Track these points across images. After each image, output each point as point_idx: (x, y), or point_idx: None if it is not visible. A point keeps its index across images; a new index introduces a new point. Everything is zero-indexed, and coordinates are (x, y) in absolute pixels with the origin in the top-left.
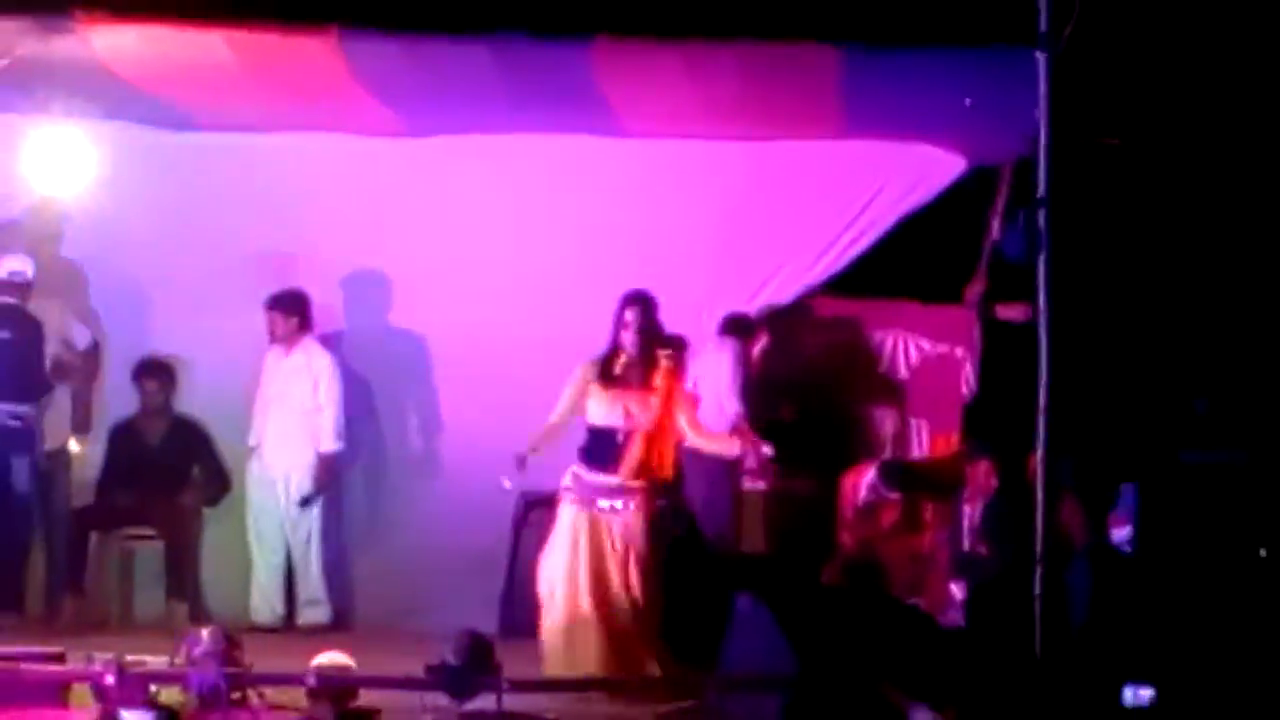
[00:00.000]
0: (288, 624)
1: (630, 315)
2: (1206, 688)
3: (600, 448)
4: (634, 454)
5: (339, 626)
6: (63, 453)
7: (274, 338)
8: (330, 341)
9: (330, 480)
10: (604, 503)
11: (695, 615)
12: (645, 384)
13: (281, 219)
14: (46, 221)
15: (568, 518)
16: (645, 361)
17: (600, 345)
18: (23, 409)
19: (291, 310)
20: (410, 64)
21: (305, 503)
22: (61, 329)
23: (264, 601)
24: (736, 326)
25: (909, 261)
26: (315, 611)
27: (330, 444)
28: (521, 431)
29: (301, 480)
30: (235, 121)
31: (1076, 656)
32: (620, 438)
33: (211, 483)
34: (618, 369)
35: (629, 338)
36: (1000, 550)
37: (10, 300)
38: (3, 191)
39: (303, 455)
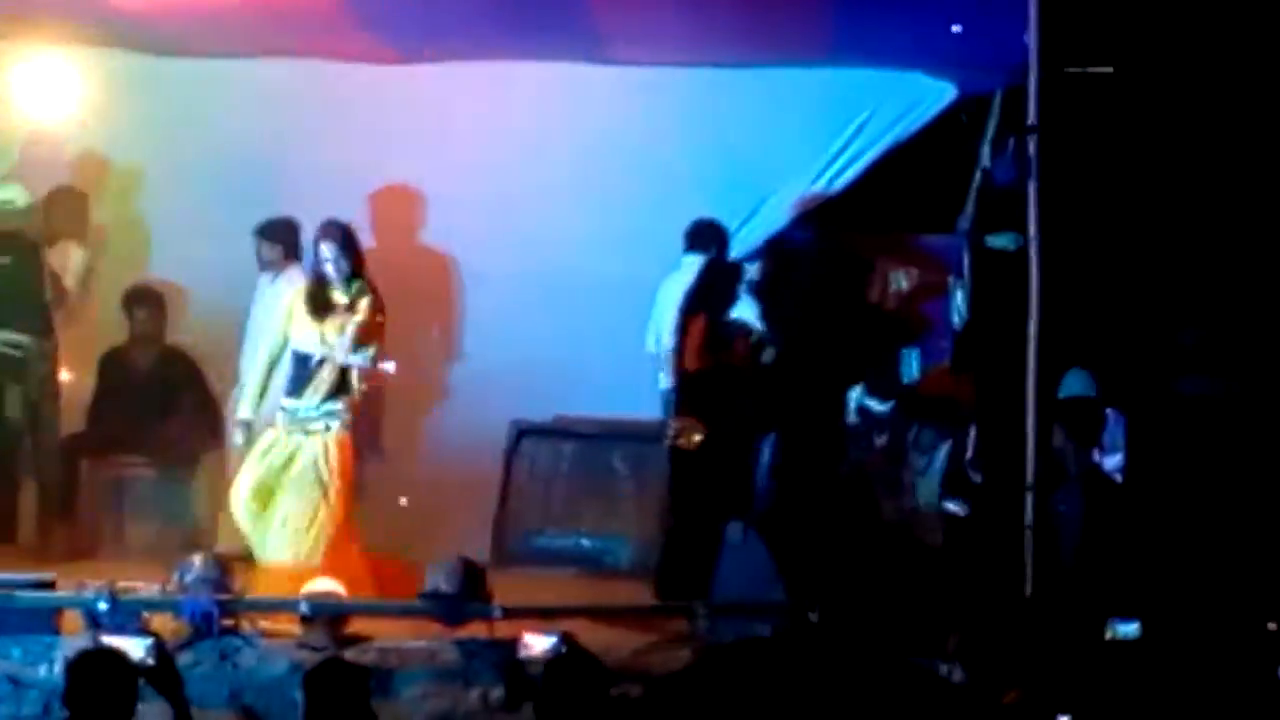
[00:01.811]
0: None
1: (326, 249)
2: (1193, 620)
3: (298, 374)
4: (324, 379)
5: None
6: (52, 380)
7: (261, 265)
8: None
9: None
10: (299, 426)
11: (689, 548)
12: (350, 311)
13: (279, 145)
14: (44, 151)
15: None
16: (348, 291)
17: (597, 276)
18: (20, 338)
19: (276, 237)
20: None
21: None
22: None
23: (232, 528)
24: (703, 237)
25: (899, 190)
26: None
27: None
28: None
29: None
30: (227, 47)
31: (1066, 586)
32: (314, 364)
33: (201, 412)
34: (324, 299)
35: (329, 269)
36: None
37: (6, 227)
38: None
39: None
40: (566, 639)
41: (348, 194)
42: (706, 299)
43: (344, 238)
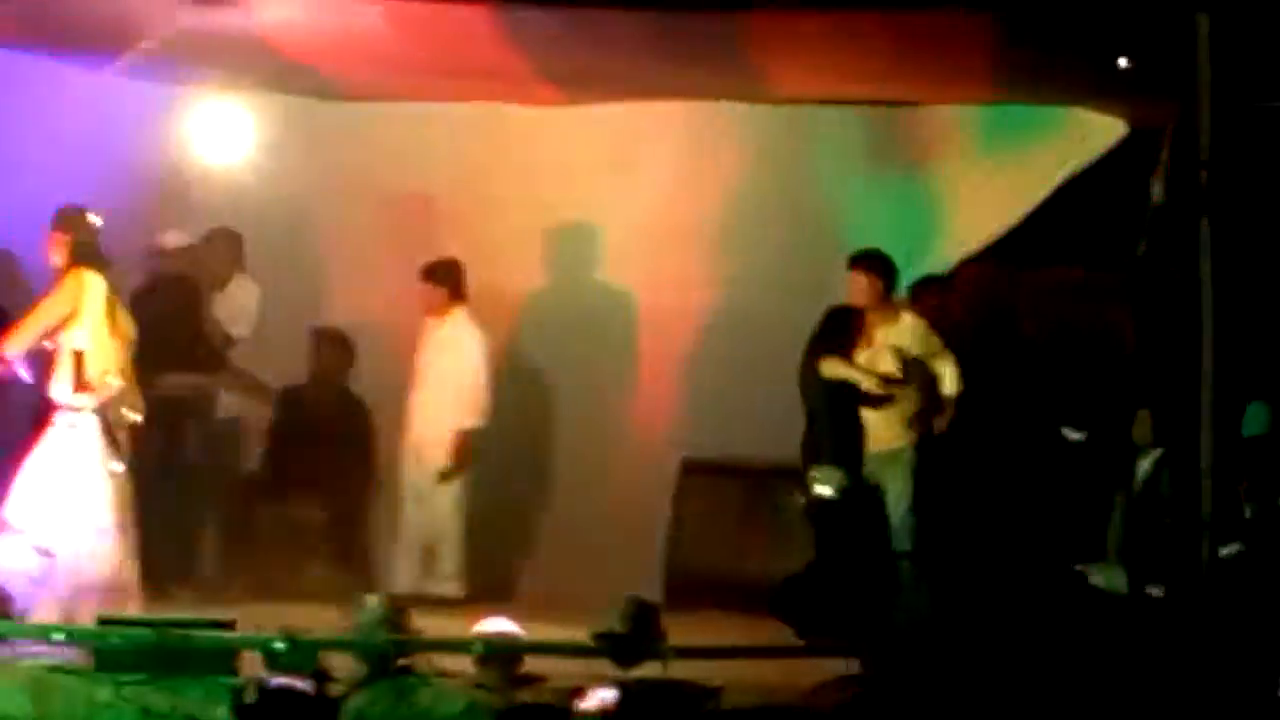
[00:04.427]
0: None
1: None
2: None
3: None
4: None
5: (503, 596)
6: (236, 421)
7: (428, 308)
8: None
9: (468, 457)
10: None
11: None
12: None
13: (448, 186)
14: (212, 195)
15: None
16: None
17: (768, 315)
18: (193, 379)
19: (440, 280)
20: (567, 31)
21: (443, 478)
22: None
23: (403, 570)
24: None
25: (1069, 226)
26: (449, 585)
27: (470, 420)
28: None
29: (440, 455)
30: (394, 93)
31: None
32: None
33: (373, 454)
34: None
35: None
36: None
37: (171, 270)
38: (167, 164)
39: (444, 429)
40: (625, 692)
41: (518, 233)
42: (828, 344)
43: None
